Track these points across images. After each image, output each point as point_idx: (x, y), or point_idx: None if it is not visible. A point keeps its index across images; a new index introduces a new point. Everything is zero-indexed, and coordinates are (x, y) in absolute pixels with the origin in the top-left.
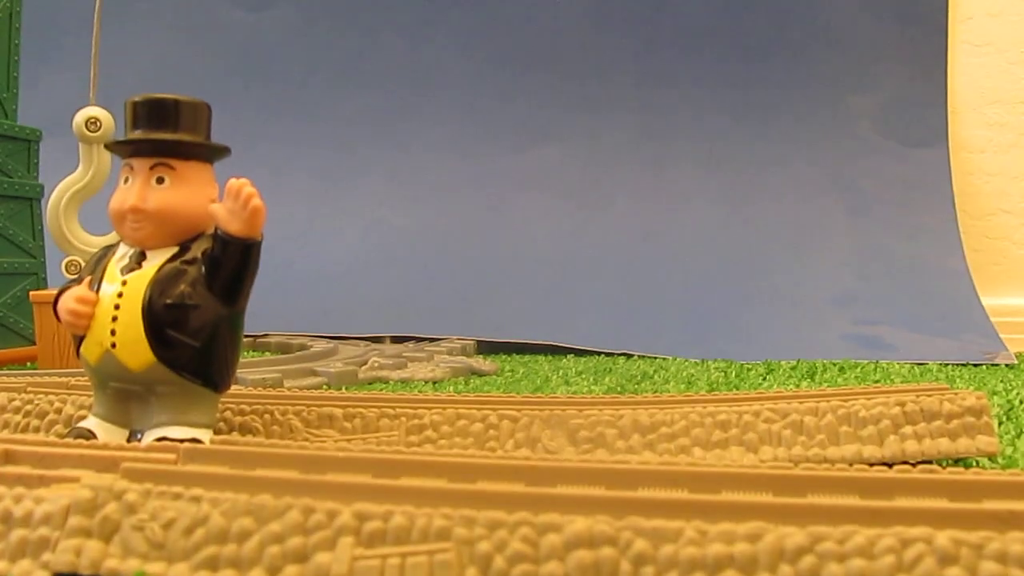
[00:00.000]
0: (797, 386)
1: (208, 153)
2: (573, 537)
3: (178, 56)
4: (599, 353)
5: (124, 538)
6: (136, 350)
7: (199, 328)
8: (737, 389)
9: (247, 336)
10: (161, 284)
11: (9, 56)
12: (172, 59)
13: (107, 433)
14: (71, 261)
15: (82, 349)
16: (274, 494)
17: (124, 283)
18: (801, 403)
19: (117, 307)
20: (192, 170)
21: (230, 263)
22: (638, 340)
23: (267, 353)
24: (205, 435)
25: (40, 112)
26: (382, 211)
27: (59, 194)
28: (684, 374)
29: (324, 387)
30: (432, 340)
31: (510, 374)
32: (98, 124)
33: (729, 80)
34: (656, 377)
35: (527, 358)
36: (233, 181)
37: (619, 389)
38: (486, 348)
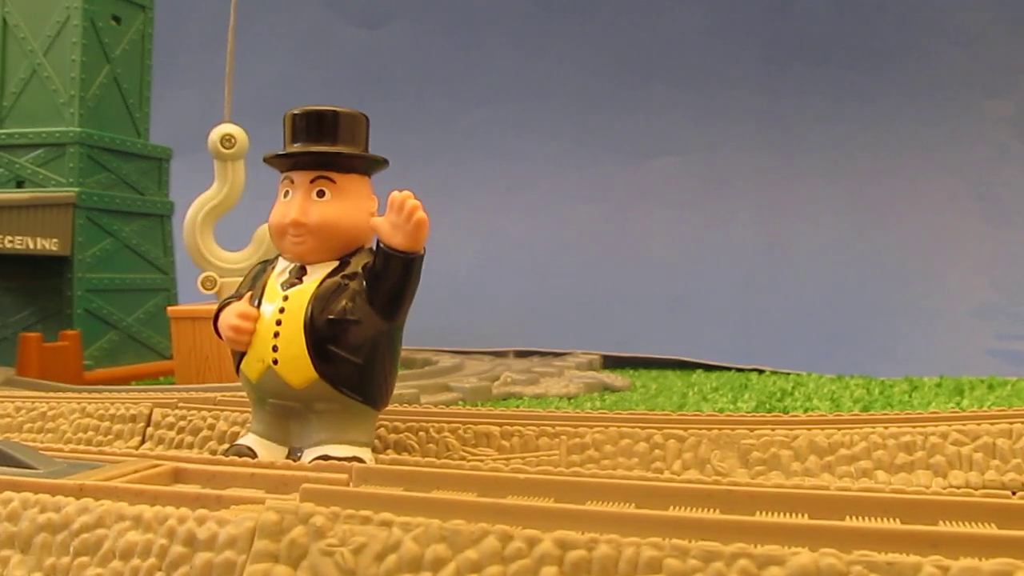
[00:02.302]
0: (958, 405)
1: (367, 165)
2: (798, 571)
3: (296, 74)
4: (729, 368)
5: (313, 563)
6: (298, 366)
7: (360, 344)
8: (890, 408)
9: None
10: (323, 299)
11: (142, 76)
12: (290, 77)
13: (266, 451)
14: (207, 277)
15: (242, 365)
16: (467, 519)
17: (285, 298)
18: (992, 424)
19: (279, 323)
20: (352, 183)
21: (392, 277)
22: (769, 355)
23: None
24: (365, 453)
25: (165, 130)
26: (499, 223)
27: (195, 211)
28: (825, 391)
29: (460, 403)
30: (557, 355)
31: (643, 390)
32: (233, 141)
33: (856, 87)
34: (796, 394)
35: (655, 373)
36: (396, 194)
37: (767, 407)
38: (611, 363)
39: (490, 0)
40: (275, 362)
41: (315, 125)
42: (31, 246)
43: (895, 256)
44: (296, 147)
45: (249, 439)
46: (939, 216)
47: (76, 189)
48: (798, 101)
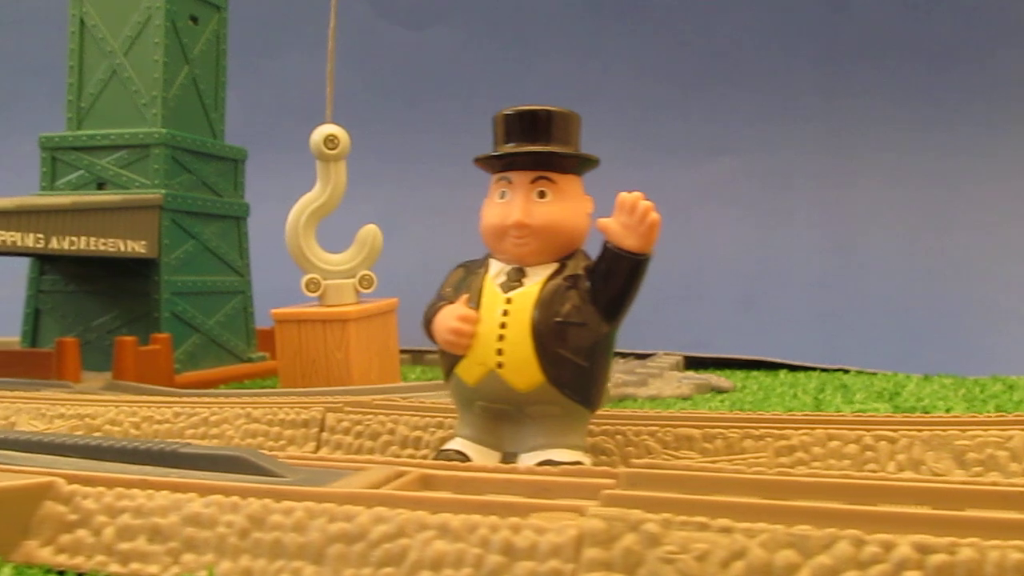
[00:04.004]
0: None
1: (582, 165)
2: None
3: (342, 76)
4: (814, 369)
5: (652, 571)
6: (524, 370)
7: (584, 347)
8: (1009, 409)
9: (409, 351)
10: (548, 302)
11: (217, 77)
12: (337, 79)
13: (479, 455)
14: (311, 279)
15: (459, 369)
16: (814, 524)
17: (508, 301)
18: None
19: (503, 326)
20: (570, 184)
21: (620, 279)
22: (849, 355)
23: None
24: (585, 458)
25: None
26: None
27: (297, 212)
28: (925, 391)
29: None
30: (638, 356)
31: (747, 391)
32: (336, 141)
33: (915, 88)
34: (903, 394)
35: (741, 373)
36: (625, 195)
37: (905, 408)
38: (690, 364)
39: (540, 1)
40: (499, 365)
41: (530, 124)
42: (122, 248)
43: (961, 257)
44: (511, 147)
45: (458, 443)
46: (1003, 218)
47: (162, 191)
48: (857, 101)
